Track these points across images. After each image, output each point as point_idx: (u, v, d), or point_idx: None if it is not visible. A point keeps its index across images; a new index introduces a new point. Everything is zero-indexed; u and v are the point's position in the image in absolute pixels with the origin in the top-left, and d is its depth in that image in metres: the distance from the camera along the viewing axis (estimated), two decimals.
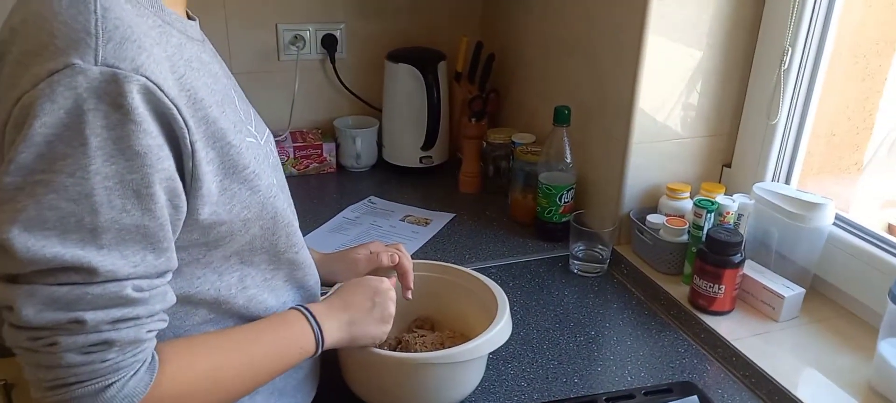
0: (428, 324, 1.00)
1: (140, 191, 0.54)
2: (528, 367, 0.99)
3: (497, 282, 0.94)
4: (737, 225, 1.13)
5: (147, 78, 0.53)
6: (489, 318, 0.87)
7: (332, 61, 1.64)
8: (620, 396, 0.90)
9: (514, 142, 1.46)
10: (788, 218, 1.08)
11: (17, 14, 0.58)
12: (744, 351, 0.99)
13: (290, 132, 1.64)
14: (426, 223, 1.41)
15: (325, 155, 1.63)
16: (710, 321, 1.06)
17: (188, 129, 0.57)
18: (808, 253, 1.09)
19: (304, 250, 0.79)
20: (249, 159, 0.65)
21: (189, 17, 0.70)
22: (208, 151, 0.60)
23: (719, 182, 1.28)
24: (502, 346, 0.86)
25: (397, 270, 0.93)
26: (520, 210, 1.41)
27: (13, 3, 0.61)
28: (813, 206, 1.06)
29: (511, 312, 0.89)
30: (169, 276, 0.60)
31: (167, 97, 0.55)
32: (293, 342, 0.72)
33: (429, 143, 1.60)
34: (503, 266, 1.27)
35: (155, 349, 0.60)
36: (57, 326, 0.53)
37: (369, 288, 0.81)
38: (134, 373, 0.57)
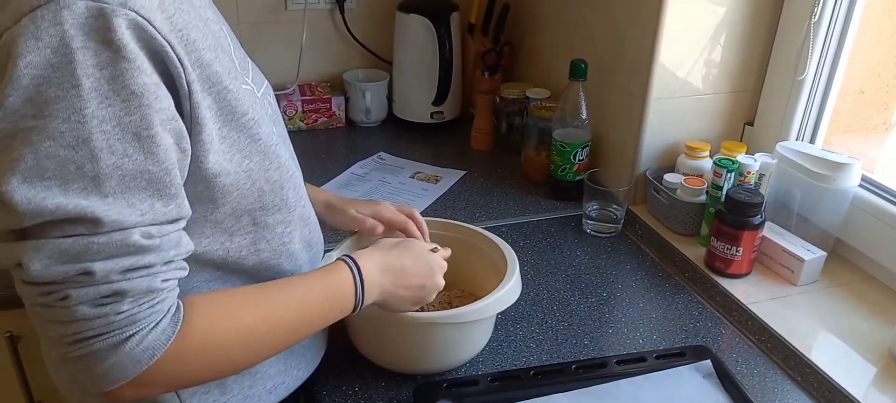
0: None
1: (140, 133, 0.52)
2: (538, 328, 0.97)
3: (508, 241, 0.92)
4: (758, 185, 1.09)
5: (136, 12, 0.51)
6: (498, 277, 0.85)
7: (342, 11, 1.59)
8: (631, 359, 0.87)
9: (528, 98, 1.41)
10: (812, 178, 1.03)
11: None
12: (760, 315, 0.96)
13: (298, 85, 1.61)
14: (436, 180, 1.38)
15: (333, 109, 1.59)
16: (726, 284, 1.03)
17: (184, 69, 0.54)
18: (831, 215, 1.05)
19: (309, 205, 0.77)
20: (248, 106, 0.62)
21: None
22: (205, 96, 0.57)
23: (741, 140, 1.23)
24: (511, 306, 0.84)
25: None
26: (533, 167, 1.38)
27: None
28: (838, 166, 1.01)
29: (521, 272, 0.87)
30: (182, 223, 0.58)
31: (159, 33, 0.52)
32: (335, 311, 0.69)
33: (440, 98, 1.56)
34: (514, 224, 1.24)
35: (182, 300, 0.58)
36: (66, 279, 0.52)
37: (428, 270, 0.77)
38: (154, 325, 0.55)
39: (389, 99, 1.64)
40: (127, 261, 0.53)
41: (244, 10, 1.51)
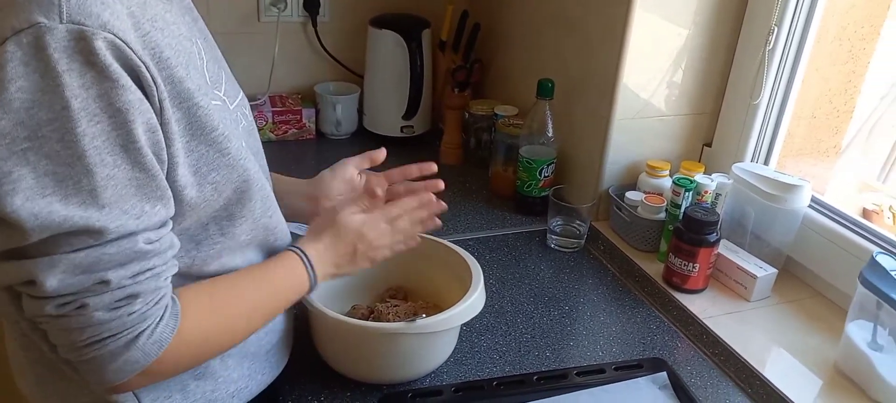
0: (401, 294, 1.00)
1: (126, 145, 0.55)
2: (501, 340, 0.99)
3: (473, 255, 0.94)
4: (714, 204, 1.13)
5: (114, 34, 0.53)
6: (463, 289, 0.87)
7: (314, 25, 1.61)
8: (591, 370, 0.90)
9: (496, 114, 1.44)
10: (765, 198, 1.08)
11: None
12: (714, 329, 1.00)
13: (269, 96, 1.62)
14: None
15: (304, 121, 1.60)
16: (682, 299, 1.07)
17: (156, 86, 0.57)
18: (783, 234, 1.10)
19: (277, 213, 0.78)
20: (217, 122, 0.63)
21: None
22: (175, 111, 0.59)
23: (700, 161, 1.28)
24: (476, 318, 0.86)
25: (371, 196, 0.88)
26: (500, 183, 1.41)
27: None
28: (790, 188, 1.06)
29: (486, 284, 0.89)
30: (170, 224, 0.61)
31: (134, 54, 0.54)
32: (293, 286, 0.75)
33: (410, 112, 1.58)
34: (481, 238, 1.26)
35: (174, 295, 0.63)
36: (83, 290, 0.55)
37: (349, 236, 0.80)
38: (159, 319, 0.60)
39: (360, 112, 1.66)
40: (136, 266, 0.57)
41: (217, 20, 1.51)
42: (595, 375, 0.89)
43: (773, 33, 1.10)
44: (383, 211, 0.83)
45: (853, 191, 1.59)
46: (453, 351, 0.93)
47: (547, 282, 1.14)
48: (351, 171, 0.94)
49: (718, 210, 1.13)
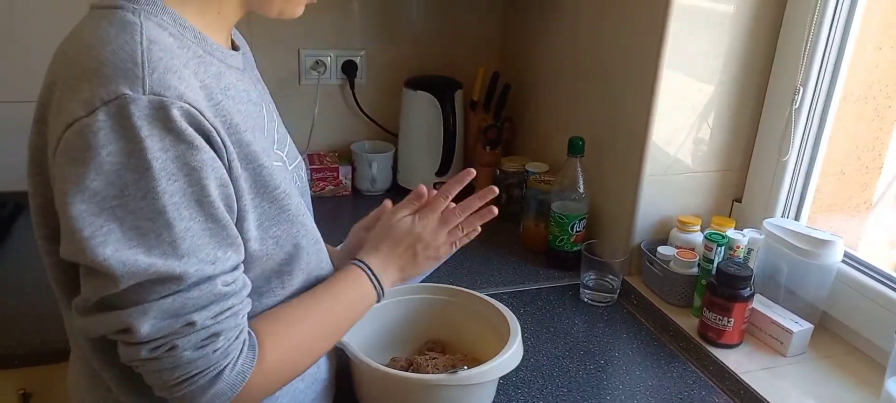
0: (439, 347, 1.02)
1: (201, 200, 0.60)
2: (538, 394, 1.00)
3: (509, 307, 0.96)
4: (746, 259, 1.15)
5: (188, 103, 0.59)
6: (501, 343, 0.89)
7: (352, 86, 1.68)
8: None
9: (527, 171, 1.48)
10: (798, 254, 1.09)
11: (68, 44, 0.64)
12: (751, 384, 1.00)
13: (308, 154, 1.68)
14: None
15: (341, 178, 1.66)
16: (718, 353, 1.07)
17: (225, 147, 0.63)
18: (817, 289, 1.10)
19: (328, 263, 0.83)
20: (279, 181, 0.69)
21: (234, 47, 0.75)
22: (243, 170, 0.65)
23: (730, 216, 1.30)
24: (512, 372, 0.88)
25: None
26: (532, 238, 1.43)
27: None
28: (822, 243, 1.07)
29: (524, 340, 0.91)
30: (241, 268, 0.66)
31: (206, 119, 0.60)
32: (361, 299, 0.80)
33: (443, 169, 1.63)
34: (514, 292, 1.28)
35: (251, 329, 0.68)
36: (172, 332, 0.60)
37: (405, 239, 0.83)
38: (240, 354, 0.65)
39: (394, 169, 1.71)
40: (216, 307, 0.62)
41: None
42: None
43: (798, 92, 1.13)
44: (432, 208, 0.85)
45: (886, 246, 1.59)
46: None
47: (581, 336, 1.16)
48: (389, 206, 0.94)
49: (751, 265, 1.14)
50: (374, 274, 0.80)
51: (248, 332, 0.67)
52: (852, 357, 1.08)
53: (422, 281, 1.00)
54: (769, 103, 1.21)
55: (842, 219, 1.32)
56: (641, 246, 1.28)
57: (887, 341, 0.95)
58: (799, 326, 1.07)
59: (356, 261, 0.81)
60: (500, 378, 0.91)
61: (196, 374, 0.62)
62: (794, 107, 1.14)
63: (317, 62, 1.64)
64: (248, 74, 0.75)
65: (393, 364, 0.98)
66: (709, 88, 1.21)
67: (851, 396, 1.00)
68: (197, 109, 0.59)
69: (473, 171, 0.91)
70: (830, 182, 1.29)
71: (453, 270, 1.34)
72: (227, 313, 0.63)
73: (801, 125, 1.16)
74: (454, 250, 0.88)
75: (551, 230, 1.35)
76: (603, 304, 1.25)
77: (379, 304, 0.95)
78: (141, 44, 0.59)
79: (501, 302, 0.98)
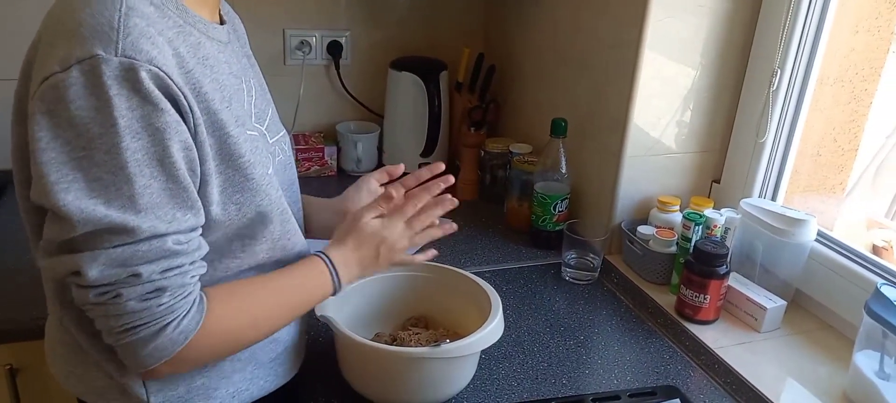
0: (422, 323, 1.04)
1: (163, 160, 0.63)
2: (519, 367, 1.03)
3: (492, 286, 0.98)
4: (723, 238, 1.17)
5: (158, 68, 0.62)
6: (482, 318, 0.91)
7: (337, 67, 1.68)
8: (606, 397, 0.93)
9: (511, 152, 1.50)
10: (773, 232, 1.12)
11: (56, 4, 0.68)
12: (726, 359, 1.03)
13: (293, 135, 1.68)
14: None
15: (326, 158, 1.67)
16: (694, 329, 1.10)
17: (192, 114, 0.66)
18: (791, 267, 1.13)
19: (297, 237, 0.84)
20: (246, 150, 0.71)
21: (222, 21, 0.78)
22: (209, 136, 0.68)
23: (708, 197, 1.32)
24: (494, 346, 0.90)
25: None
26: (515, 217, 1.45)
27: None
28: (796, 222, 1.10)
29: (505, 317, 0.93)
30: (199, 229, 0.69)
31: (174, 84, 0.63)
32: (317, 287, 0.82)
33: (428, 150, 1.64)
34: (497, 271, 1.31)
35: (204, 292, 0.70)
36: (118, 281, 0.63)
37: (371, 240, 0.86)
38: (186, 313, 0.67)
39: (379, 149, 1.72)
40: (165, 263, 0.65)
41: None
42: (610, 401, 0.92)
43: (776, 75, 1.16)
44: (400, 212, 0.88)
45: (862, 228, 1.62)
46: (473, 378, 0.96)
47: (562, 313, 1.18)
48: (373, 184, 1.01)
49: (727, 243, 1.16)
50: (334, 268, 0.82)
51: (200, 295, 0.69)
52: (824, 333, 1.12)
53: None
54: (748, 86, 1.23)
55: (818, 201, 1.35)
56: (622, 225, 1.30)
57: (857, 316, 0.98)
58: (773, 303, 1.10)
59: (319, 252, 0.83)
60: (482, 352, 0.93)
61: (139, 325, 0.65)
62: (771, 90, 1.17)
63: (302, 42, 1.64)
64: (233, 47, 0.78)
65: (377, 339, 0.99)
66: (689, 72, 1.23)
67: (822, 369, 1.03)
68: (166, 73, 0.62)
69: (442, 165, 0.95)
70: (807, 163, 1.31)
71: (437, 249, 1.36)
72: (176, 271, 0.66)
73: (779, 107, 1.18)
74: (414, 249, 0.91)
75: (534, 210, 1.37)
76: (584, 282, 1.28)
77: (363, 280, 0.98)
78: (119, 10, 0.62)
79: (484, 280, 1.00)
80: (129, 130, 0.61)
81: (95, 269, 0.62)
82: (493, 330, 0.88)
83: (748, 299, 1.11)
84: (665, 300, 1.18)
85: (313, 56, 1.66)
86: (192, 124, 0.65)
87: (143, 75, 0.60)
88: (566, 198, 1.34)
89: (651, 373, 1.03)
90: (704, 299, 1.09)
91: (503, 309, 0.93)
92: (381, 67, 1.67)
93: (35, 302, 1.06)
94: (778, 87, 1.17)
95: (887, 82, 1.26)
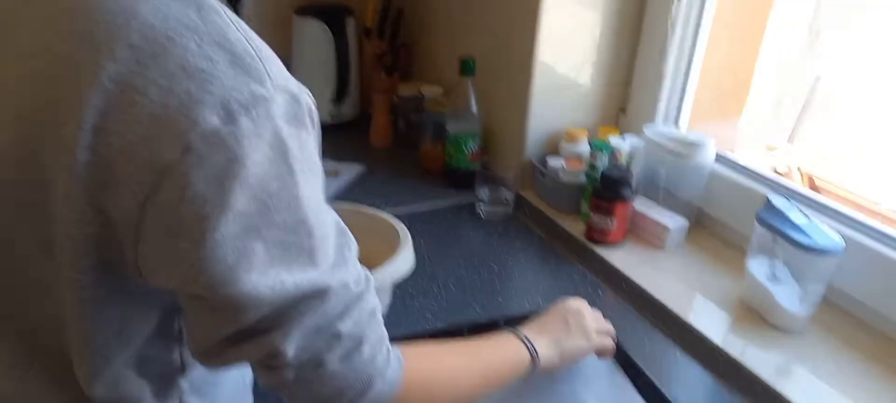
0: None
1: (322, 197, 0.55)
2: (434, 301, 1.03)
3: (407, 226, 0.97)
4: (629, 164, 1.21)
5: (308, 93, 0.52)
6: (394, 253, 0.91)
7: (238, 15, 1.61)
8: (517, 319, 0.95)
9: (423, 95, 1.49)
10: (674, 156, 1.16)
11: (133, 30, 0.46)
12: (633, 277, 1.06)
13: None
14: (336, 174, 1.42)
15: None
16: (604, 252, 1.13)
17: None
18: (692, 188, 1.18)
19: None
20: None
21: None
22: None
23: (616, 127, 1.36)
24: (409, 283, 0.90)
25: None
26: (430, 160, 1.45)
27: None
28: (695, 145, 1.14)
29: (420, 253, 0.93)
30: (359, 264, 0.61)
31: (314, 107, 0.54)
32: (515, 357, 0.77)
33: (339, 98, 1.61)
34: (414, 213, 1.30)
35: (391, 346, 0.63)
36: (319, 351, 0.55)
37: (560, 310, 0.86)
38: (387, 364, 0.60)
39: None
40: (356, 312, 0.56)
41: None
42: (520, 322, 0.94)
43: (674, 4, 1.19)
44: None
45: (763, 154, 1.71)
46: (388, 313, 0.96)
47: (478, 248, 1.19)
48: None
49: (633, 170, 1.20)
50: (526, 337, 0.78)
51: (388, 346, 0.62)
52: (724, 248, 1.17)
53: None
54: (648, 18, 1.26)
55: (719, 128, 1.40)
56: (532, 160, 1.32)
57: (752, 229, 1.04)
58: (675, 223, 1.14)
59: (514, 331, 0.80)
60: (397, 288, 0.93)
61: (345, 388, 0.57)
62: (670, 20, 1.20)
63: None
64: None
65: None
66: (592, 8, 1.24)
67: (722, 281, 1.09)
68: (309, 93, 0.52)
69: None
70: (707, 92, 1.36)
71: (352, 196, 1.35)
72: (367, 314, 0.58)
73: (678, 35, 1.21)
74: (598, 345, 0.88)
75: (447, 150, 1.37)
76: (499, 218, 1.29)
77: None
78: (238, 30, 0.49)
79: (401, 223, 0.99)
80: (303, 175, 0.50)
81: (294, 346, 0.53)
82: (402, 260, 0.88)
83: (653, 221, 1.16)
84: (576, 228, 1.21)
85: None
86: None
87: (307, 106, 0.50)
88: (478, 137, 1.35)
89: (562, 295, 1.05)
90: (612, 223, 1.13)
91: (419, 248, 0.94)
92: (285, 15, 1.62)
93: None
94: (677, 16, 1.20)
95: (780, 11, 1.32)
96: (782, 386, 0.84)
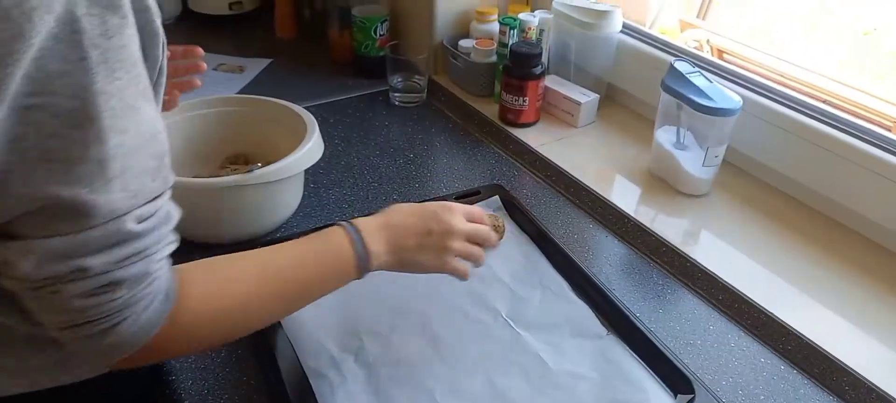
0: (241, 159, 0.99)
1: (133, 105, 0.46)
2: (350, 191, 1.02)
3: (318, 121, 0.92)
4: (539, 40, 1.19)
5: None
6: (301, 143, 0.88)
7: None
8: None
9: None
10: (582, 28, 1.15)
11: None
12: (547, 155, 1.07)
13: None
14: (241, 70, 1.35)
15: None
16: (517, 133, 1.14)
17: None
18: (602, 61, 1.18)
19: None
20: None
21: None
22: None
23: (527, 3, 1.33)
24: (323, 174, 0.88)
25: None
26: (338, 49, 1.39)
27: None
28: (603, 14, 1.13)
29: (332, 145, 0.90)
30: (168, 193, 0.52)
31: None
32: (333, 262, 0.64)
33: None
34: (324, 104, 1.26)
35: (179, 273, 0.54)
36: (57, 279, 0.46)
37: (431, 215, 0.69)
38: (148, 306, 0.51)
39: None
40: (122, 251, 0.48)
41: None
42: None
43: None
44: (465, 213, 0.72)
45: (676, 31, 1.73)
46: (302, 205, 0.94)
47: (392, 136, 1.17)
48: None
49: (543, 45, 1.19)
50: (357, 234, 0.64)
51: (171, 280, 0.53)
52: (634, 120, 1.20)
53: None
54: None
55: (632, 5, 1.40)
56: (443, 42, 1.28)
57: (658, 98, 1.05)
58: (586, 97, 1.15)
59: (343, 221, 0.66)
60: (311, 180, 0.90)
61: (83, 323, 0.49)
62: None
63: None
64: None
65: None
66: None
67: (631, 152, 1.11)
68: None
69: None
70: None
71: (258, 91, 1.28)
72: (137, 257, 0.49)
73: None
74: (449, 269, 0.71)
75: (355, 37, 1.31)
76: (412, 104, 1.26)
77: (172, 121, 0.90)
78: None
79: (313, 115, 0.94)
80: (104, 66, 0.43)
81: (27, 264, 0.45)
82: (310, 150, 0.85)
83: (564, 97, 1.16)
84: (490, 110, 1.20)
85: None
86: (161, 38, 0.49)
87: None
88: (385, 20, 1.30)
89: (479, 179, 1.06)
90: (524, 102, 1.12)
91: (332, 139, 0.91)
92: None
93: None
94: None
95: None
96: (690, 250, 0.88)
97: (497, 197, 0.96)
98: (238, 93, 1.27)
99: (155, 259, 0.51)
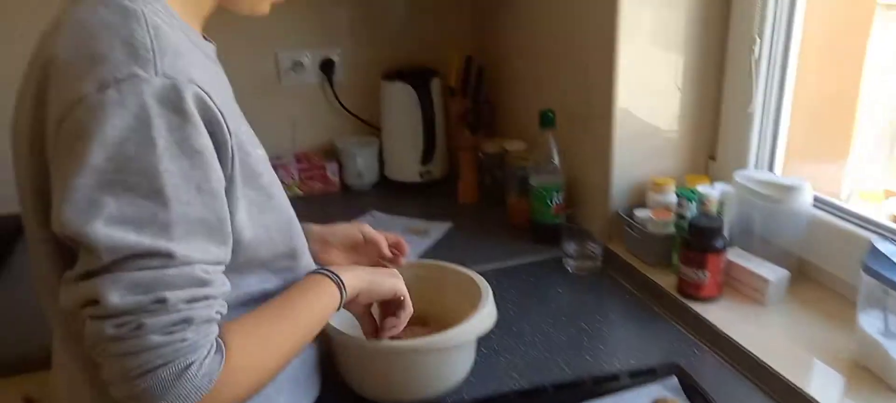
0: (419, 321, 1.04)
1: (201, 185, 0.60)
2: (520, 359, 1.02)
3: (493, 285, 0.96)
4: (719, 213, 1.16)
5: (199, 87, 0.60)
6: (475, 309, 0.91)
7: (331, 84, 1.71)
8: (605, 378, 0.93)
9: (506, 150, 1.50)
10: (767, 202, 1.10)
11: (64, 30, 0.63)
12: (732, 335, 1.00)
13: (295, 154, 1.71)
14: (425, 232, 1.45)
15: (328, 174, 1.69)
16: (698, 308, 1.09)
17: (230, 135, 0.64)
18: (791, 235, 1.11)
19: (308, 254, 0.85)
20: (263, 168, 0.71)
21: (205, 40, 0.76)
22: (237, 160, 0.66)
23: (706, 174, 1.31)
24: (494, 340, 0.90)
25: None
26: (516, 214, 1.46)
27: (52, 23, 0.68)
28: (790, 189, 1.08)
29: (506, 311, 0.93)
30: (223, 267, 0.65)
31: (215, 105, 0.62)
32: (325, 299, 0.78)
33: (427, 158, 1.65)
34: (500, 269, 1.30)
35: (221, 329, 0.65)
36: (141, 308, 0.57)
37: (373, 270, 0.86)
38: (208, 353, 0.61)
39: (381, 161, 1.74)
40: (192, 292, 0.60)
41: (240, 84, 1.62)
42: (609, 382, 0.92)
43: (756, 43, 1.15)
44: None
45: (880, 197, 1.58)
46: (473, 370, 0.96)
47: (564, 304, 1.17)
48: (355, 231, 0.99)
49: (724, 218, 1.15)
50: (337, 275, 0.79)
51: (218, 339, 0.63)
52: (831, 299, 1.09)
53: None
54: (730, 58, 1.23)
55: (820, 168, 1.32)
56: (619, 211, 1.29)
57: (859, 278, 0.96)
58: (775, 274, 1.08)
59: (319, 270, 0.80)
60: (482, 346, 0.93)
61: (160, 365, 0.58)
62: (753, 58, 1.16)
63: (295, 62, 1.67)
64: (220, 67, 0.77)
65: None
66: (671, 52, 1.22)
67: (830, 336, 1.01)
68: (207, 93, 0.61)
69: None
70: (804, 131, 1.29)
71: (440, 254, 1.37)
72: (202, 302, 0.61)
73: (763, 75, 1.17)
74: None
75: (532, 204, 1.37)
76: (587, 272, 1.27)
77: None
78: (149, 31, 0.60)
79: (488, 280, 0.98)
80: (169, 152, 0.58)
81: (115, 294, 0.57)
82: (484, 317, 0.89)
83: (750, 272, 1.10)
84: (667, 281, 1.17)
85: (307, 75, 1.69)
86: (230, 148, 0.63)
87: (187, 95, 0.59)
88: (561, 190, 1.34)
89: (655, 354, 1.02)
90: (704, 276, 1.08)
91: (506, 306, 0.93)
92: (374, 80, 1.69)
93: (50, 332, 1.09)
94: (760, 55, 1.16)
95: (878, 42, 1.24)
96: None
97: (674, 377, 0.91)
98: (421, 253, 1.36)
99: (214, 309, 0.62)
